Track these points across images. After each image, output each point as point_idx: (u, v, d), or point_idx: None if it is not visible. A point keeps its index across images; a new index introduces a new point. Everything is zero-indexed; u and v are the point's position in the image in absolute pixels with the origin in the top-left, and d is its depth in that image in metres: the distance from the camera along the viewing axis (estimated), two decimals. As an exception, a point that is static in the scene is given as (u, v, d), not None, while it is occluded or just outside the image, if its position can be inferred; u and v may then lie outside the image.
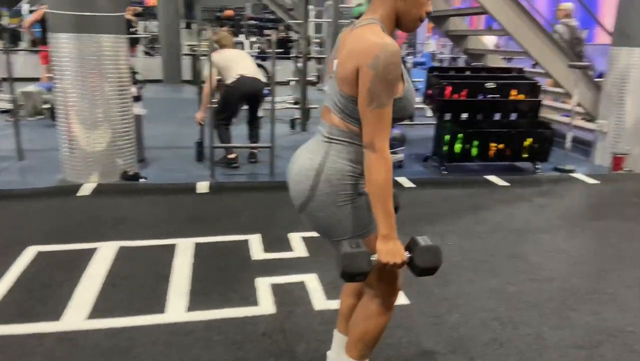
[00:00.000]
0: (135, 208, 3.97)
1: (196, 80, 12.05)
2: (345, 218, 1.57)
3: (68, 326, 2.40)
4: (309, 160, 1.60)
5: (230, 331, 2.39)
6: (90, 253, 3.15)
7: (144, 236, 3.41)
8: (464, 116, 5.17)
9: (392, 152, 5.10)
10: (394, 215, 1.51)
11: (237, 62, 5.05)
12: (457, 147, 4.92)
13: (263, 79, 5.26)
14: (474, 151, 4.96)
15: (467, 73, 5.76)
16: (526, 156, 5.09)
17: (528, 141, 5.01)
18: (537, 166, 5.19)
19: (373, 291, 1.71)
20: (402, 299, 2.62)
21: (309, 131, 7.10)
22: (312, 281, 2.85)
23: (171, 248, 3.25)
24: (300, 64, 7.24)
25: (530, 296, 2.76)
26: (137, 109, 4.97)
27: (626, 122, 5.35)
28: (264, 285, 2.80)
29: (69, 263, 3.02)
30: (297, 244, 3.34)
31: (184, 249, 3.23)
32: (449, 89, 5.06)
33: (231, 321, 2.47)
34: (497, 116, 5.27)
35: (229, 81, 4.96)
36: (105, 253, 3.14)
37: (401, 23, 1.56)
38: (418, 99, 7.09)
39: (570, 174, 5.15)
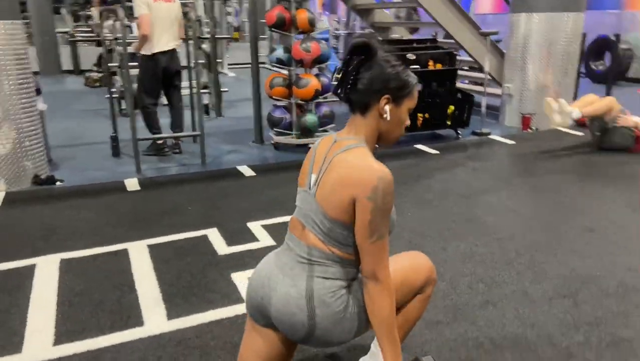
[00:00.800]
0: (61, 215, 3.52)
1: (77, 69, 11.08)
2: (352, 322, 1.47)
3: (34, 357, 2.06)
4: (292, 288, 1.45)
5: (225, 333, 2.20)
6: (28, 271, 2.74)
7: (86, 245, 3.03)
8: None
9: (323, 130, 5.11)
10: (399, 343, 1.45)
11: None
12: (388, 119, 4.98)
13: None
14: (404, 122, 5.06)
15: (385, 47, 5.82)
16: (449, 123, 5.30)
17: (451, 109, 5.22)
18: (458, 132, 5.43)
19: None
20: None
21: (226, 116, 6.82)
22: (291, 269, 2.73)
23: (123, 254, 2.93)
24: (206, 46, 6.89)
25: (500, 256, 2.87)
26: (40, 104, 4.40)
27: (529, 84, 5.78)
28: (242, 280, 2.63)
29: (7, 285, 2.60)
30: (261, 233, 3.18)
31: (138, 254, 2.93)
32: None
33: (222, 323, 2.28)
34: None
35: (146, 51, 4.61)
36: (46, 269, 2.75)
37: (382, 140, 1.50)
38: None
39: (488, 137, 5.47)
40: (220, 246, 3.03)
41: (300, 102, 4.98)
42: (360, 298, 1.46)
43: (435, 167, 4.51)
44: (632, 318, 2.26)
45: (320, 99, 4.95)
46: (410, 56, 5.26)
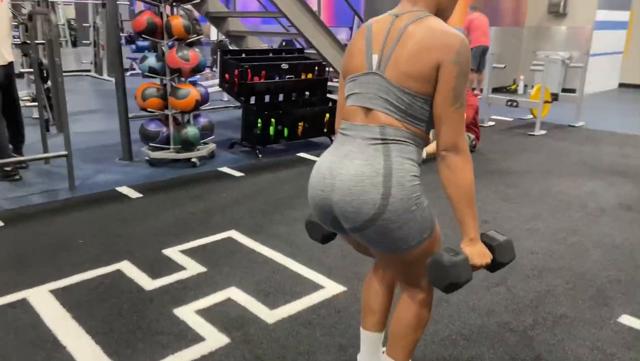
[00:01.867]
0: None
1: None
2: (416, 222, 1.42)
3: None
4: (366, 166, 1.38)
5: (200, 379, 1.96)
6: None
7: (-36, 301, 2.43)
8: (267, 98, 5.20)
9: (204, 143, 4.85)
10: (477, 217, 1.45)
11: None
12: (271, 130, 4.93)
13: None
14: (286, 132, 5.06)
15: (257, 56, 5.76)
16: (326, 130, 5.45)
17: (327, 117, 5.37)
18: (332, 139, 5.61)
19: (418, 288, 1.60)
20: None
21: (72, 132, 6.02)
22: (238, 295, 2.53)
23: (23, 305, 2.41)
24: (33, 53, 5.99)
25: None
26: None
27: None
28: (190, 315, 2.36)
29: None
30: (184, 260, 2.89)
31: (43, 302, 2.44)
32: (249, 72, 4.99)
33: (190, 368, 2.02)
34: (293, 96, 5.47)
35: None
36: None
37: (438, 16, 1.45)
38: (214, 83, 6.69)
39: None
40: (144, 280, 2.67)
41: (178, 114, 4.65)
42: (426, 205, 1.43)
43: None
44: (558, 296, 2.58)
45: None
46: (284, 66, 5.28)
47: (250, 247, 3.08)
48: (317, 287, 2.63)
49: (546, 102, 6.46)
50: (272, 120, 4.91)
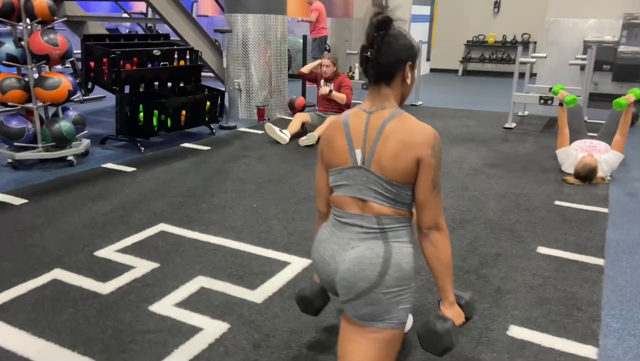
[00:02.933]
0: None
1: None
2: (404, 302, 1.48)
3: None
4: (368, 250, 1.46)
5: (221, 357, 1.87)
6: None
7: None
8: (142, 87, 4.84)
9: (78, 141, 4.33)
10: None
11: None
12: (154, 120, 4.63)
13: None
14: (169, 122, 4.79)
15: (123, 42, 5.30)
16: (207, 119, 5.29)
17: (208, 105, 5.22)
18: (212, 128, 5.48)
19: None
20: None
21: None
22: (210, 283, 2.43)
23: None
24: None
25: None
26: None
27: (254, 78, 6.28)
28: (170, 309, 2.20)
29: None
30: (127, 259, 2.64)
31: (-20, 327, 2.04)
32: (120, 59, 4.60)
33: (203, 357, 1.91)
34: (169, 84, 5.18)
35: None
36: None
37: (401, 101, 1.57)
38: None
39: (238, 130, 5.72)
40: (95, 285, 2.39)
41: (47, 106, 4.10)
42: (413, 291, 1.50)
43: (224, 160, 4.51)
44: (485, 239, 3.00)
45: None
46: (156, 52, 4.98)
47: (191, 237, 2.93)
48: (284, 264, 2.65)
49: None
50: (155, 110, 4.61)
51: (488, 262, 2.73)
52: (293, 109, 6.55)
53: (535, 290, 2.46)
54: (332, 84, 5.31)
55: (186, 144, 4.97)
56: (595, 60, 6.19)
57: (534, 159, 4.75)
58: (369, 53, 1.43)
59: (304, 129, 5.37)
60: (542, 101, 5.89)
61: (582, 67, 6.93)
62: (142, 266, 2.58)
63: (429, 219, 1.47)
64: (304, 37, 7.59)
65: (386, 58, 1.44)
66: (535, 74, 8.68)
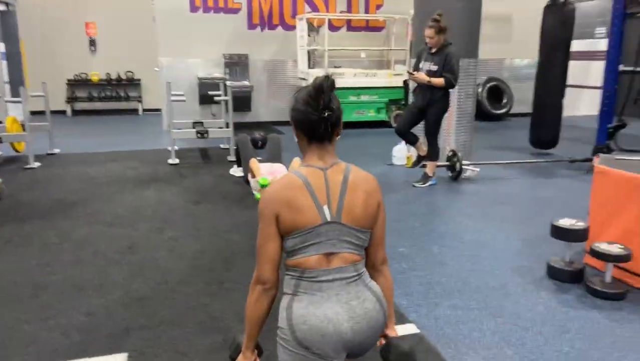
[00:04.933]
0: None
1: None
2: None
3: None
4: (365, 302, 1.56)
5: None
6: None
7: None
8: None
9: None
10: None
11: None
12: None
13: None
14: None
15: None
16: None
17: None
18: None
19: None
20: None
21: None
22: None
23: None
24: None
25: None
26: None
27: None
28: None
29: None
30: None
31: None
32: None
33: None
34: None
35: None
36: None
37: None
38: None
39: None
40: None
41: None
42: None
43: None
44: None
45: None
46: None
47: None
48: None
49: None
50: None
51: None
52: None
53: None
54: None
55: None
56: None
57: (228, 190, 5.18)
58: (326, 114, 1.52)
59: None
60: (199, 135, 6.49)
61: (217, 101, 7.75)
62: None
63: (381, 256, 1.66)
64: None
65: (337, 117, 1.56)
66: (160, 109, 9.20)
